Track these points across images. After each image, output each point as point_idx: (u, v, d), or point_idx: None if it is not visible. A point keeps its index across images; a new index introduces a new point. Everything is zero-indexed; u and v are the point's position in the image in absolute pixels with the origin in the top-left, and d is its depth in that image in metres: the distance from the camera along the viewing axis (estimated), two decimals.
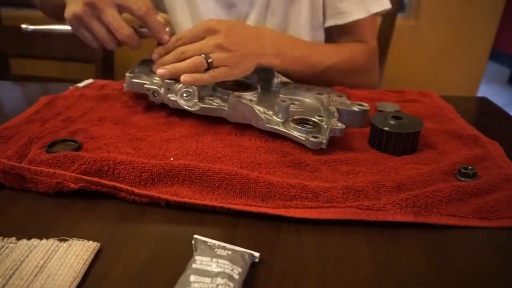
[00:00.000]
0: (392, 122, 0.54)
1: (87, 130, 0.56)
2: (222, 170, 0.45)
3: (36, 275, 0.33)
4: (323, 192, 0.43)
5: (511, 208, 0.42)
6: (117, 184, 0.44)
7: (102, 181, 0.44)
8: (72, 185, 0.44)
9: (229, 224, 0.41)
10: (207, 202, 0.42)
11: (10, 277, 0.33)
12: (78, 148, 0.51)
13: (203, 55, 0.59)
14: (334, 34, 0.87)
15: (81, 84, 0.75)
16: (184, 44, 0.61)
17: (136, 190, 0.43)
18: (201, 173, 0.45)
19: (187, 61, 0.59)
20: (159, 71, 0.60)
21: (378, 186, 0.44)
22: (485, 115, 0.73)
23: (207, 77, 0.60)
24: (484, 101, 0.78)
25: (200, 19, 0.84)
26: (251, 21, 0.83)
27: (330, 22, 0.82)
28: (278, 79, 0.68)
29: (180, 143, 0.54)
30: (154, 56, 0.64)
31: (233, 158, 0.50)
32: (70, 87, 0.74)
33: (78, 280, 0.33)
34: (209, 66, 0.60)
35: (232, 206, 0.42)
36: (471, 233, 0.40)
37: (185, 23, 0.87)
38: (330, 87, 0.72)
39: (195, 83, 0.59)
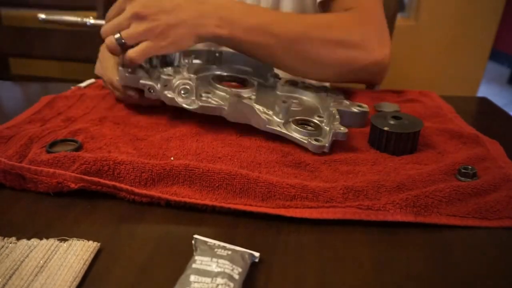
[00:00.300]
0: (392, 122, 0.54)
1: (88, 130, 0.56)
2: (222, 170, 0.45)
3: (36, 275, 0.33)
4: (323, 192, 0.43)
5: (511, 208, 0.42)
6: (117, 184, 0.44)
7: (102, 180, 0.44)
8: (72, 185, 0.44)
9: (229, 224, 0.41)
10: (207, 202, 0.42)
11: (10, 277, 0.33)
12: (79, 148, 0.51)
13: (116, 36, 0.52)
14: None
15: (83, 84, 0.75)
16: (108, 21, 0.55)
17: (136, 190, 0.43)
18: (201, 173, 0.45)
19: (102, 46, 0.54)
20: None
21: (378, 186, 0.44)
22: (485, 115, 0.73)
23: (126, 62, 0.53)
24: (484, 101, 0.78)
25: None
26: None
27: None
28: (275, 74, 0.68)
29: (180, 143, 0.54)
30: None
31: (233, 157, 0.50)
32: (72, 87, 0.74)
33: (78, 280, 0.33)
34: (125, 46, 0.52)
35: (232, 206, 0.42)
36: (471, 233, 0.40)
37: None
38: (327, 85, 0.70)
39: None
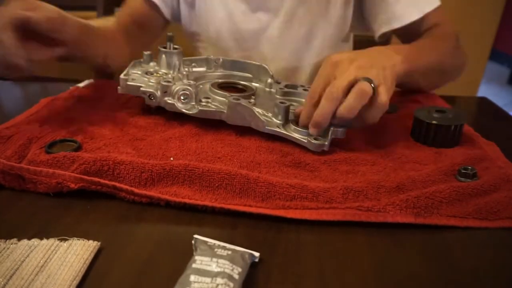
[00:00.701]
0: (436, 115, 0.56)
1: (87, 130, 0.56)
2: (222, 170, 0.45)
3: (36, 274, 0.33)
4: (322, 192, 0.43)
5: (511, 208, 0.42)
6: (117, 184, 0.44)
7: (102, 180, 0.44)
8: (72, 185, 0.44)
9: (229, 224, 0.41)
10: (207, 202, 0.42)
11: (11, 277, 0.33)
12: (78, 148, 0.51)
13: (362, 79, 0.50)
14: (403, 40, 0.81)
15: (81, 84, 0.75)
16: (322, 89, 0.52)
17: (136, 190, 0.43)
18: (201, 173, 0.45)
19: (352, 95, 0.50)
20: (341, 115, 0.50)
21: (378, 186, 0.44)
22: (485, 115, 0.73)
23: (383, 105, 0.51)
24: (484, 101, 0.78)
25: (232, 20, 0.83)
26: (274, 28, 0.82)
27: (383, 29, 0.78)
28: (274, 79, 0.68)
29: (180, 143, 0.54)
30: (302, 119, 0.55)
31: (233, 157, 0.50)
32: (71, 87, 0.74)
33: (78, 279, 0.33)
34: (374, 90, 0.50)
35: (232, 207, 0.42)
36: (471, 234, 0.40)
37: (219, 21, 0.85)
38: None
39: (354, 114, 0.50)
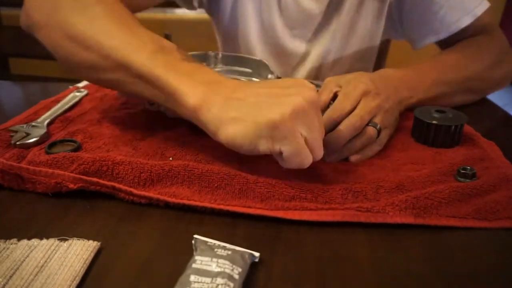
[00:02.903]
0: (436, 115, 0.56)
1: (86, 130, 0.56)
2: (221, 171, 0.45)
3: (36, 274, 0.33)
4: (322, 192, 0.43)
5: (510, 208, 0.42)
6: (116, 185, 0.44)
7: (101, 181, 0.44)
8: (71, 185, 0.44)
9: (229, 224, 0.41)
10: (206, 204, 0.42)
11: (11, 277, 0.33)
12: (78, 148, 0.51)
13: (371, 124, 0.52)
14: (441, 46, 0.79)
15: (81, 84, 0.75)
16: (347, 113, 0.52)
17: (135, 191, 0.43)
18: (200, 173, 0.45)
19: (361, 139, 0.51)
20: (353, 158, 0.51)
21: (377, 187, 0.45)
22: (485, 115, 0.73)
23: (377, 148, 0.53)
24: (484, 101, 0.78)
25: (269, 36, 0.83)
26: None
27: (428, 40, 0.75)
28: (274, 74, 0.68)
29: (179, 142, 0.54)
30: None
31: (233, 157, 0.50)
32: (70, 87, 0.74)
33: (78, 279, 0.33)
34: (378, 134, 0.53)
35: (231, 208, 0.42)
36: (471, 234, 0.40)
37: (253, 34, 0.85)
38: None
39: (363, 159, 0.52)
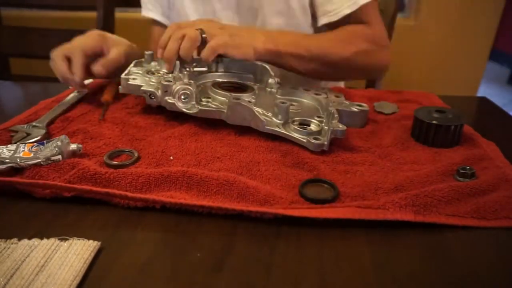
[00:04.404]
0: (436, 115, 0.56)
1: (86, 130, 0.56)
2: (220, 177, 0.44)
3: (36, 274, 0.33)
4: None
5: (509, 208, 0.42)
6: (110, 190, 0.43)
7: (94, 188, 0.43)
8: (66, 194, 0.44)
9: (229, 224, 0.41)
10: (204, 203, 0.42)
11: (11, 276, 0.33)
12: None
13: (197, 29, 0.63)
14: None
15: None
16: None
17: (130, 194, 0.42)
18: (199, 179, 0.44)
19: (185, 39, 0.63)
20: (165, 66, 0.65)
21: (376, 188, 0.45)
22: (485, 115, 0.73)
23: (206, 51, 0.63)
24: (484, 101, 0.78)
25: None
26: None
27: (323, 21, 0.81)
28: (275, 79, 0.68)
29: (179, 142, 0.54)
30: (159, 50, 0.66)
31: (233, 157, 0.50)
32: (70, 87, 0.74)
33: (78, 279, 0.33)
34: (204, 41, 0.64)
35: (229, 206, 0.41)
36: (470, 233, 0.40)
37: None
38: (328, 87, 0.71)
39: (188, 55, 0.64)
